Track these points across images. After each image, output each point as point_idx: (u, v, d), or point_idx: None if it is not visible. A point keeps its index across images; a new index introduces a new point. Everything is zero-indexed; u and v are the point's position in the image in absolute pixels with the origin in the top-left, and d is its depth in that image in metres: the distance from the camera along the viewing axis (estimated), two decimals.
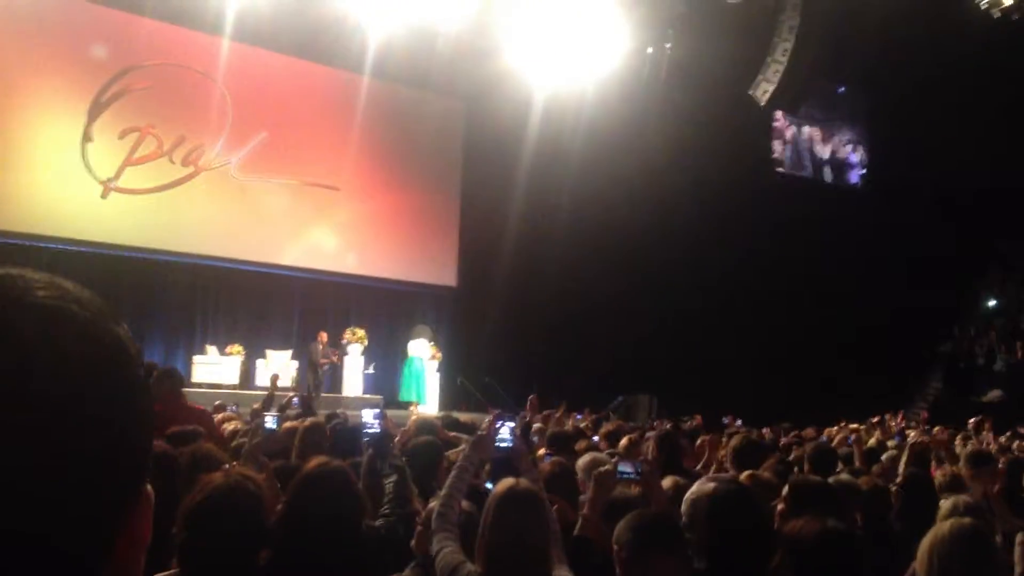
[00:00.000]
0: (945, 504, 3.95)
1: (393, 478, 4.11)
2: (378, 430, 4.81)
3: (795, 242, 19.99)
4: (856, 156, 23.01)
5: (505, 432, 3.91)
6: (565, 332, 18.36)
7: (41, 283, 0.73)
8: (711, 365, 17.84)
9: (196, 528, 2.73)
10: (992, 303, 22.58)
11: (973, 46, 17.91)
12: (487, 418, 4.24)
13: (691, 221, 18.67)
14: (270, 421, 5.72)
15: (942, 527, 2.98)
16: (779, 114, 21.47)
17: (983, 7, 17.01)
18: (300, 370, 15.97)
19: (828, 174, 22.91)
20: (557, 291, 18.39)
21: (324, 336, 16.03)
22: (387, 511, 3.97)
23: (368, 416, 4.95)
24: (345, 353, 16.94)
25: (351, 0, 15.75)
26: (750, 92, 18.13)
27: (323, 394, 15.89)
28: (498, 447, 3.88)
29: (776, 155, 22.14)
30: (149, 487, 0.79)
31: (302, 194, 17.58)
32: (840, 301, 19.62)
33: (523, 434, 4.49)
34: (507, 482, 3.23)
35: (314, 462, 3.30)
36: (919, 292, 20.10)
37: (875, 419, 13.02)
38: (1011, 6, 17.43)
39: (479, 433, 4.04)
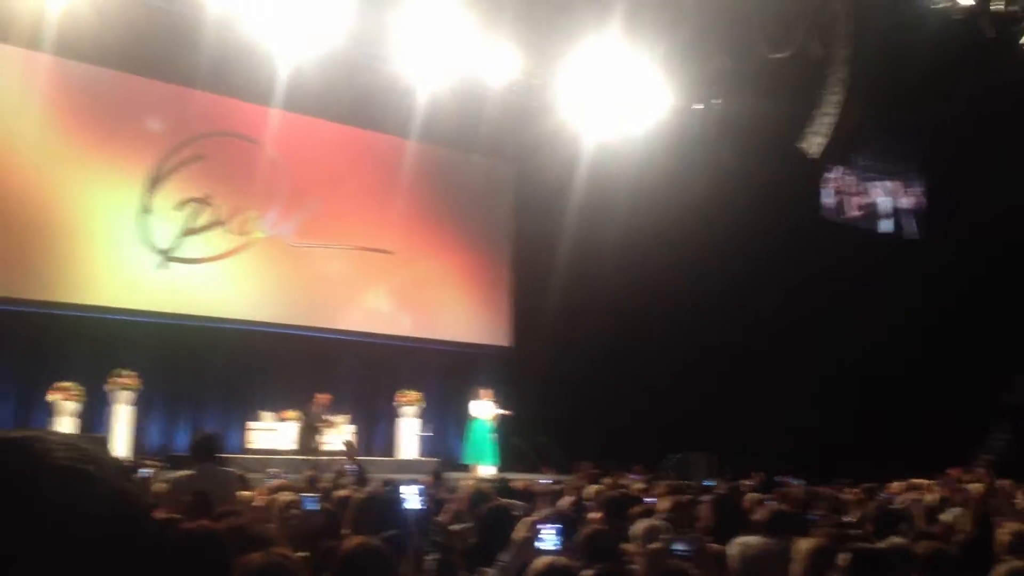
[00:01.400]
0: (1001, 571, 3.77)
1: (435, 555, 4.08)
2: (421, 506, 4.76)
3: (851, 295, 19.71)
4: (909, 204, 22.69)
5: (550, 534, 3.79)
6: (620, 389, 18.23)
7: (60, 445, 0.76)
8: (772, 420, 17.56)
9: None
10: None
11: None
12: (526, 521, 4.10)
13: (741, 274, 18.51)
14: (310, 502, 5.48)
15: None
16: (832, 167, 21.30)
17: None
18: (300, 431, 15.41)
19: (883, 224, 22.61)
20: (609, 347, 18.31)
21: (325, 398, 15.37)
22: None
23: (412, 492, 4.90)
24: (398, 416, 16.96)
25: (398, 66, 16.03)
26: (801, 145, 18.03)
27: (378, 457, 15.91)
28: (539, 551, 3.75)
29: (828, 207, 21.91)
30: None
31: (355, 259, 17.79)
32: (896, 354, 19.21)
33: (567, 533, 4.36)
34: (546, 559, 3.18)
35: (354, 541, 3.28)
36: (979, 342, 19.64)
37: (941, 476, 12.67)
38: None
39: (521, 535, 3.93)
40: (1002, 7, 16.44)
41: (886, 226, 22.54)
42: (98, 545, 0.72)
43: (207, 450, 6.81)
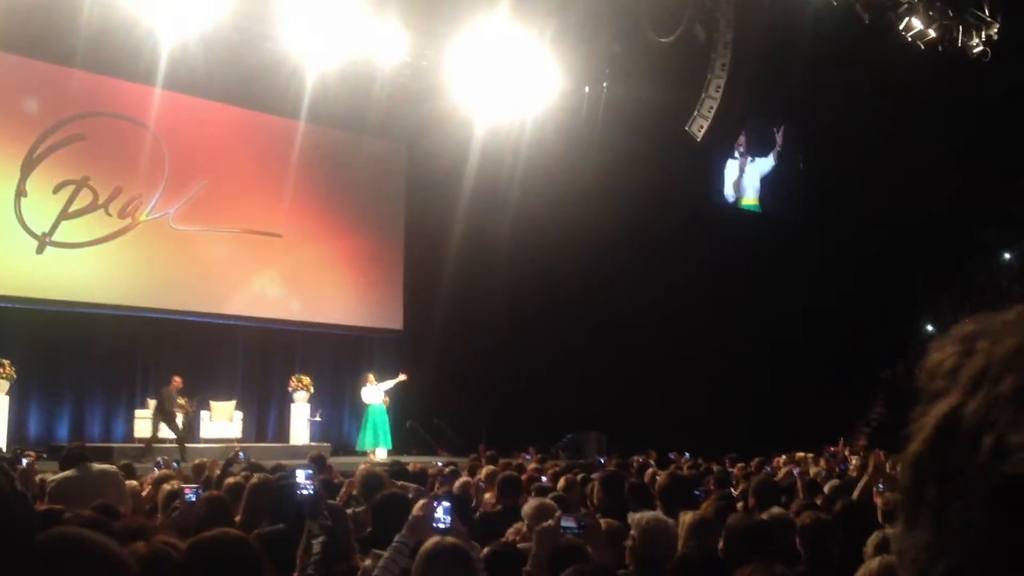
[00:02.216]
0: (871, 540, 3.94)
1: (321, 539, 4.07)
2: (310, 491, 4.73)
3: (737, 275, 20.26)
4: (790, 187, 23.39)
5: (441, 512, 3.85)
6: (511, 370, 18.38)
7: None
8: (660, 399, 17.95)
9: None
10: (930, 328, 23.01)
11: (900, 75, 18.43)
12: (421, 500, 4.15)
13: (630, 257, 18.84)
14: (191, 493, 5.25)
15: (870, 566, 2.98)
16: (716, 148, 21.80)
17: (909, 38, 17.52)
18: (153, 417, 14.67)
19: (766, 205, 23.26)
20: (502, 329, 18.44)
21: (178, 381, 14.76)
22: (310, 572, 3.93)
23: (301, 476, 4.86)
24: (291, 402, 16.77)
25: (285, 45, 15.72)
26: (686, 128, 18.40)
27: (267, 444, 15.69)
28: (436, 528, 3.81)
29: (715, 189, 22.46)
30: None
31: (243, 242, 17.46)
32: (781, 332, 19.86)
33: (461, 514, 4.42)
34: (434, 539, 3.21)
35: (211, 533, 3.23)
36: (858, 321, 20.48)
37: (826, 449, 13.18)
38: (934, 38, 17.98)
39: (414, 515, 3.97)
40: None
41: (768, 206, 23.21)
42: None
43: (77, 456, 6.65)
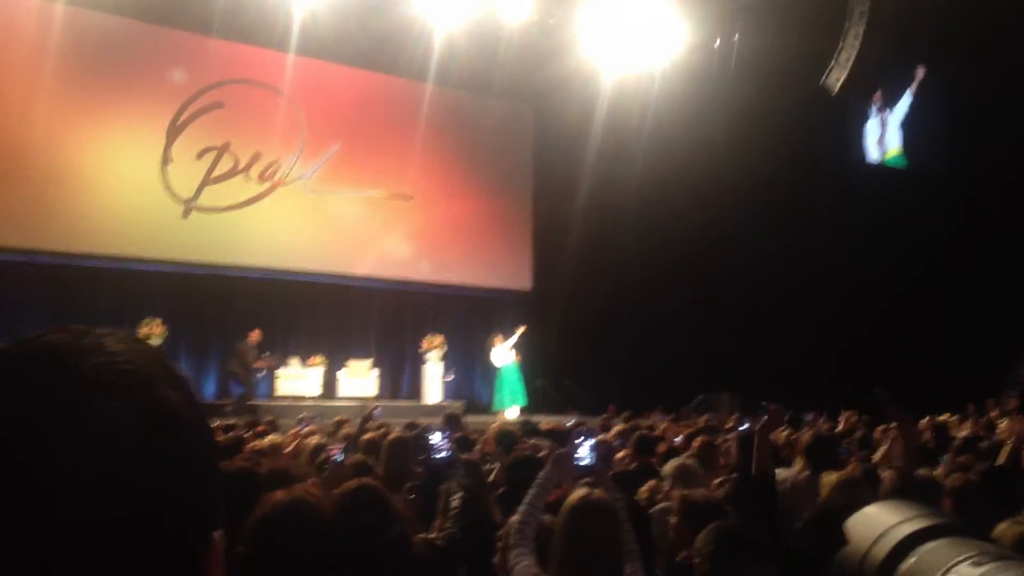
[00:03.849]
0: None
1: (459, 495, 4.15)
2: (447, 453, 4.81)
3: (875, 233, 19.57)
4: (933, 134, 22.35)
5: (584, 450, 3.88)
6: (641, 329, 18.23)
7: (93, 352, 0.74)
8: (794, 359, 17.54)
9: (257, 546, 2.77)
10: None
11: None
12: (568, 424, 4.24)
13: (761, 215, 18.36)
14: (337, 454, 5.27)
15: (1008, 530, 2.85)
16: (855, 102, 21.01)
17: None
18: (236, 371, 15.07)
19: (911, 155, 22.31)
20: (630, 288, 18.28)
21: (256, 335, 15.21)
22: (449, 525, 4.01)
23: (437, 438, 4.93)
24: (423, 361, 17.07)
25: (412, 7, 15.85)
26: (822, 82, 17.78)
27: (401, 402, 16.00)
28: (578, 465, 3.85)
29: (855, 146, 21.65)
30: (218, 533, 0.80)
31: (376, 205, 17.79)
32: (920, 292, 19.11)
33: (603, 454, 4.45)
34: (581, 492, 3.22)
35: (352, 484, 3.35)
36: (1001, 280, 19.52)
37: (969, 409, 12.66)
38: None
39: (559, 451, 4.02)
40: None
41: (909, 157, 22.25)
42: (129, 458, 0.71)
43: None
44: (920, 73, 21.99)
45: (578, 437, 3.97)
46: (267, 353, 15.42)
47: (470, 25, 16.25)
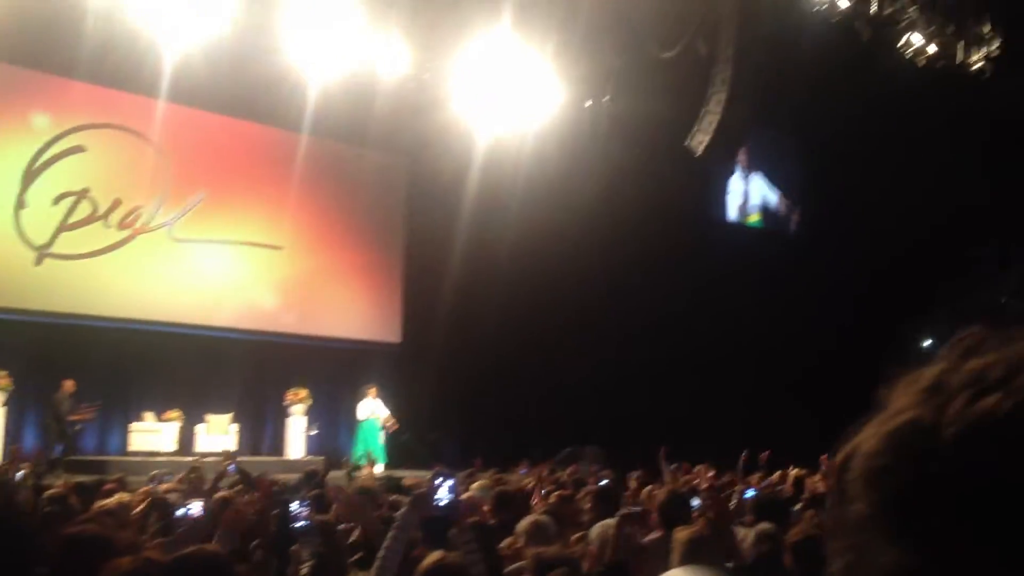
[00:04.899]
0: None
1: (310, 563, 4.07)
2: (303, 522, 4.72)
3: (738, 290, 20.19)
4: (790, 204, 23.36)
5: (444, 491, 3.87)
6: (510, 385, 18.28)
7: None
8: (660, 414, 17.83)
9: None
10: (928, 343, 22.89)
11: (901, 90, 18.42)
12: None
13: (632, 272, 18.78)
14: (184, 509, 4.83)
15: None
16: (721, 164, 21.80)
17: (908, 55, 17.52)
18: (49, 423, 14.41)
19: (766, 222, 23.23)
20: (501, 343, 18.33)
21: (70, 385, 14.50)
22: None
23: (295, 506, 4.85)
24: (286, 415, 16.70)
25: (287, 57, 15.73)
26: (686, 143, 18.40)
27: (259, 457, 15.60)
28: (436, 505, 3.84)
29: (716, 206, 22.44)
30: None
31: (242, 254, 17.44)
32: (780, 346, 19.78)
33: (464, 506, 4.43)
34: (436, 556, 3.18)
35: (190, 550, 3.24)
36: (855, 335, 20.40)
37: (823, 462, 13.04)
38: (934, 54, 18.00)
39: (416, 491, 4.00)
40: (877, 10, 17.03)
41: (764, 222, 23.17)
42: None
43: None
44: (779, 139, 23.01)
45: (438, 478, 3.96)
46: (85, 404, 14.68)
47: (346, 76, 16.22)
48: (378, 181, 19.18)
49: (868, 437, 0.70)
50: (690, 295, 19.42)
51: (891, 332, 20.85)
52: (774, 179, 23.35)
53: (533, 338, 18.36)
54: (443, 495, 3.88)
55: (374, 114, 17.20)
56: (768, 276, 20.64)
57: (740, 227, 22.83)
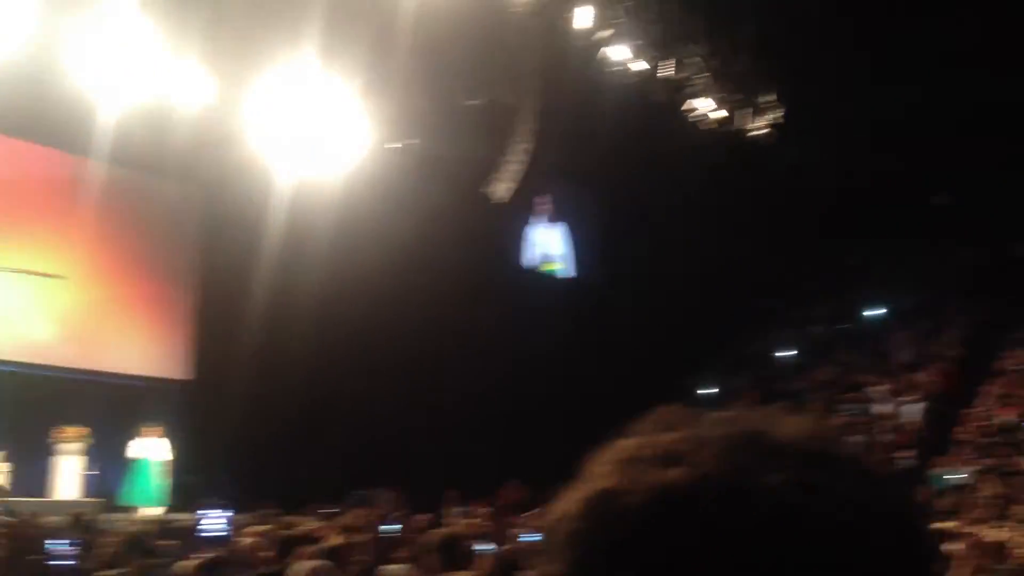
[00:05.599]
0: None
1: None
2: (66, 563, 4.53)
3: (533, 336, 20.65)
4: (588, 254, 24.15)
5: (213, 522, 3.79)
6: (306, 426, 17.95)
7: None
8: (458, 455, 17.93)
9: None
10: (708, 391, 24.04)
11: (692, 150, 19.53)
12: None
13: (435, 314, 18.91)
14: None
15: None
16: (522, 212, 22.33)
17: (695, 119, 18.59)
18: None
19: (565, 270, 23.93)
20: (298, 384, 17.99)
21: None
22: None
23: (56, 548, 4.65)
24: (61, 454, 15.76)
25: (83, 81, 15.05)
26: (486, 189, 18.78)
27: (31, 498, 14.67)
28: (205, 536, 3.75)
29: (516, 252, 22.95)
30: None
31: (18, 283, 16.41)
32: (571, 393, 20.33)
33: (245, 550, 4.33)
34: None
35: None
36: (639, 384, 21.22)
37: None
38: (722, 119, 19.18)
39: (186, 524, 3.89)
40: (670, 75, 18.00)
41: (563, 270, 23.89)
42: None
43: None
44: (580, 191, 23.81)
45: (208, 509, 3.87)
46: None
47: (144, 103, 15.66)
48: (172, 213, 18.55)
49: (569, 501, 0.74)
50: (488, 339, 19.70)
51: (673, 381, 21.79)
52: (574, 229, 24.10)
53: (334, 379, 18.16)
54: (211, 526, 3.79)
55: (171, 144, 16.63)
56: (562, 323, 21.22)
57: (539, 274, 23.42)
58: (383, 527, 8.72)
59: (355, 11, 15.86)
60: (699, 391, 23.78)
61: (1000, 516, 16.49)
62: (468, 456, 17.98)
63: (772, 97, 20.70)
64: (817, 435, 0.75)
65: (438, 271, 18.64)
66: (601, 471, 0.74)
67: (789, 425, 0.74)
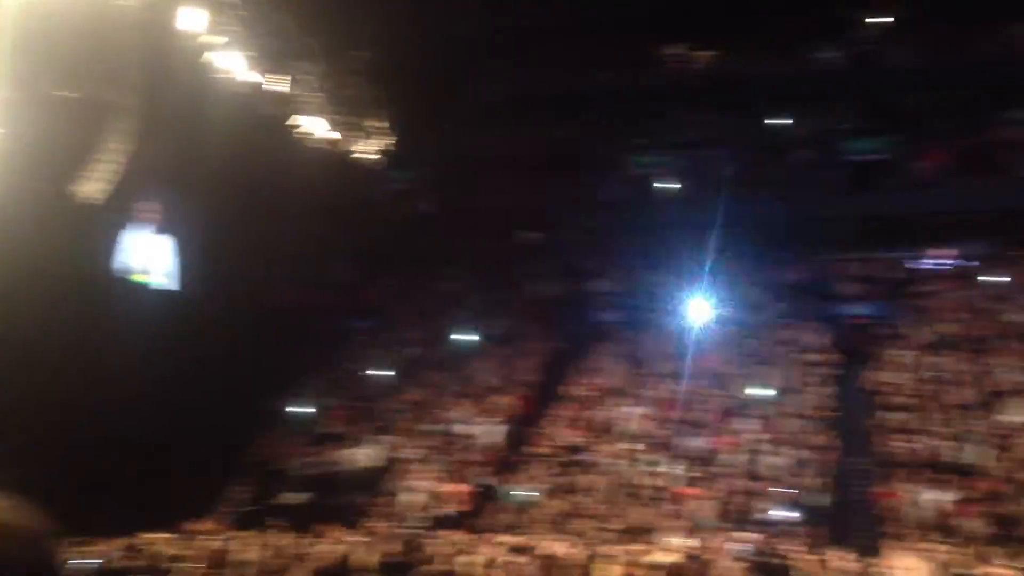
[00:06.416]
0: None
1: None
2: None
3: (125, 347, 19.59)
4: (185, 264, 23.30)
5: None
6: None
7: None
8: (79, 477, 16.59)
9: None
10: (300, 410, 24.04)
11: (306, 171, 19.58)
12: None
13: (27, 323, 17.33)
14: None
15: None
16: (116, 217, 21.06)
17: (304, 138, 18.66)
18: None
19: (165, 280, 22.89)
20: None
21: None
22: None
23: None
24: None
25: None
26: (71, 188, 17.53)
27: None
28: None
29: (106, 258, 21.62)
30: None
31: None
32: (154, 405, 19.54)
33: None
34: None
35: None
36: (227, 400, 20.86)
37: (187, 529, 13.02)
38: (333, 140, 19.43)
39: None
40: (281, 90, 17.98)
41: (159, 281, 22.86)
42: None
43: None
44: (185, 200, 22.89)
45: None
46: None
47: None
48: None
49: None
50: (78, 348, 18.43)
51: (266, 400, 21.71)
52: (181, 240, 23.11)
53: None
54: None
55: None
56: (151, 336, 20.29)
57: (132, 283, 22.24)
58: None
59: None
60: (291, 409, 23.72)
61: (562, 531, 18.15)
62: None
63: (384, 123, 21.31)
64: None
65: (30, 277, 17.10)
66: None
67: None
